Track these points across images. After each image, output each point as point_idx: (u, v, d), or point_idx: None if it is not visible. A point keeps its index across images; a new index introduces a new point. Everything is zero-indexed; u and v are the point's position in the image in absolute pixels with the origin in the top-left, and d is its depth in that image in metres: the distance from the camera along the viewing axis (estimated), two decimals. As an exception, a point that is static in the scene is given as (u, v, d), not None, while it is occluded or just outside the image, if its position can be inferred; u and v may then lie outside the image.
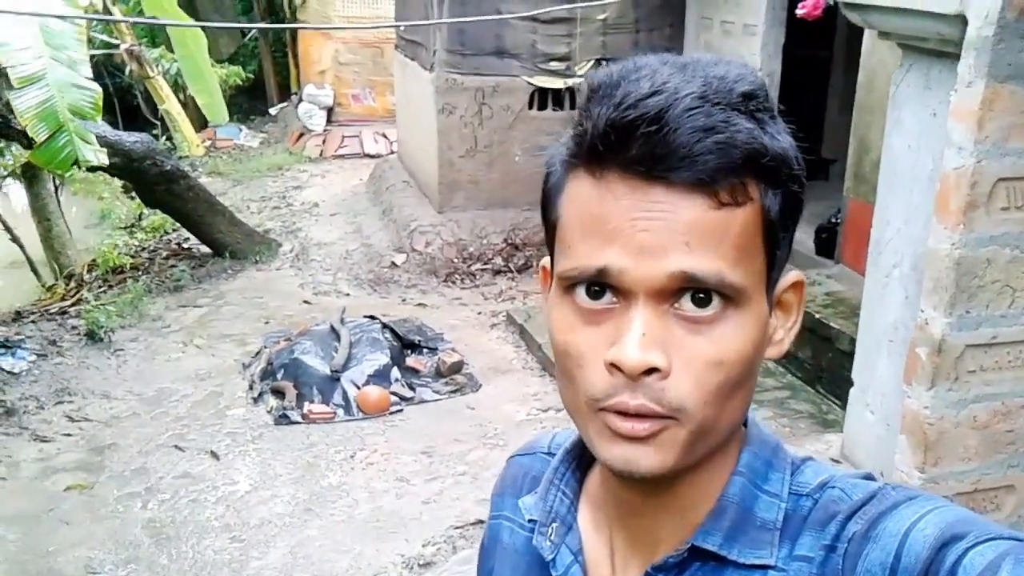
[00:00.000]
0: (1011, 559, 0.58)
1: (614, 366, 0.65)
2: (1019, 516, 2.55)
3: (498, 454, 4.74)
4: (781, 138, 0.67)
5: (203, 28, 6.65)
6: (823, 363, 4.86)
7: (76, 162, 4.40)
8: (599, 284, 0.66)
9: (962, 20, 1.99)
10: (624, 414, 0.66)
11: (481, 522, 4.14)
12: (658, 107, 0.62)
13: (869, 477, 0.73)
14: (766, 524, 0.72)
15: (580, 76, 7.47)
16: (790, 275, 0.74)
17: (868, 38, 5.36)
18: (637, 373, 0.64)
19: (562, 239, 0.70)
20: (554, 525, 0.81)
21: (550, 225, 0.73)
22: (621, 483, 0.75)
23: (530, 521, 0.84)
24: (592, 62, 7.46)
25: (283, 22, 13.28)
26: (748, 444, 0.76)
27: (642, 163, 0.63)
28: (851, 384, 3.97)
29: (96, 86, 4.57)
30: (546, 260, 0.76)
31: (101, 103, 4.51)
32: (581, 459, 0.84)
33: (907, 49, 2.31)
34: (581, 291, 0.67)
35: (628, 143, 0.63)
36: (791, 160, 0.67)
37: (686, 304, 0.65)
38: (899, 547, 0.62)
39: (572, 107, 7.55)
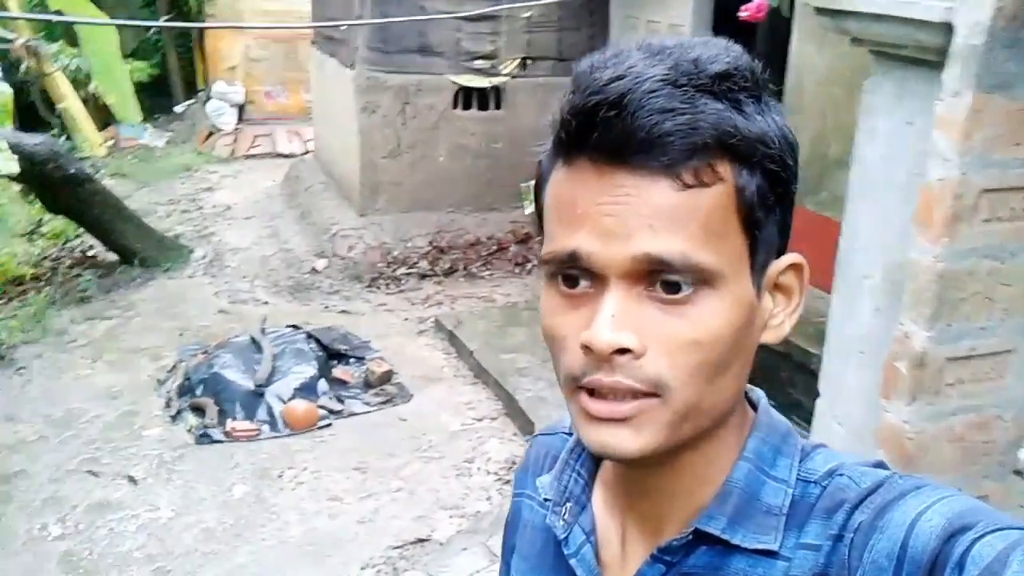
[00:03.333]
0: (1021, 550, 0.57)
1: (587, 347, 0.65)
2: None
3: (434, 467, 4.59)
4: (761, 118, 0.66)
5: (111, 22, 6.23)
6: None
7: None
8: (575, 270, 0.67)
9: (946, 28, 1.94)
10: (601, 397, 0.66)
11: (421, 540, 4.00)
12: (619, 92, 0.63)
13: (880, 465, 0.72)
14: (771, 509, 0.72)
15: (505, 75, 7.34)
16: (785, 257, 0.72)
17: (796, 40, 5.37)
18: (607, 353, 0.65)
19: (545, 226, 0.71)
20: (568, 505, 0.82)
21: (540, 215, 0.74)
22: (623, 464, 0.76)
23: (546, 500, 0.85)
24: (517, 61, 7.35)
25: (188, 17, 12.74)
26: (756, 430, 0.75)
27: (604, 148, 0.64)
28: (783, 383, 3.94)
29: (6, 87, 4.24)
30: None
31: (12, 106, 4.17)
32: None
33: (880, 57, 2.25)
34: (561, 278, 0.68)
35: (591, 129, 0.64)
36: (769, 140, 0.66)
37: (660, 287, 0.65)
38: (906, 537, 0.62)
39: (497, 107, 7.43)
